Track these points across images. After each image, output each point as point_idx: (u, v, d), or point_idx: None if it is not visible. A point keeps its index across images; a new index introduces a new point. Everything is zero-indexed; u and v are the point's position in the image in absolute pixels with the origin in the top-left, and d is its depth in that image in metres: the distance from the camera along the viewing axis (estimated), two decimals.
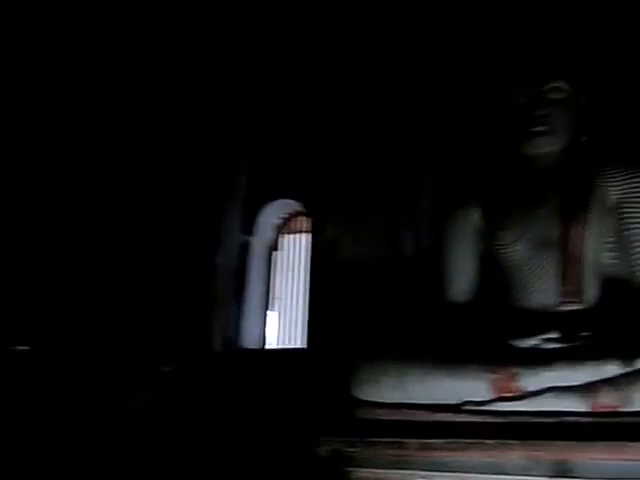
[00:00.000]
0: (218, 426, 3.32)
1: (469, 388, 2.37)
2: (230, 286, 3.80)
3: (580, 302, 2.60)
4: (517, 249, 2.69)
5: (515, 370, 2.33)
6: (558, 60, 2.77)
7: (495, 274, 2.80)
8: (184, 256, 3.71)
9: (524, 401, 2.32)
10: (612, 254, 2.69)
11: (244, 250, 3.85)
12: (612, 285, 2.68)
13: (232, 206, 3.85)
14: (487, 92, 3.05)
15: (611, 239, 2.69)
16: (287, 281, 4.06)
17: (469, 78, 3.17)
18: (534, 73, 2.77)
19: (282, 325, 4.01)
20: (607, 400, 2.21)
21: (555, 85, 2.73)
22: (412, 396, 2.44)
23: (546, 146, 2.76)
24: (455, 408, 2.38)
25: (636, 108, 2.99)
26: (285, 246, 4.04)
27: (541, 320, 2.52)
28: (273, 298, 3.99)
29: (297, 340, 3.84)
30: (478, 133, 3.15)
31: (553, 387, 2.29)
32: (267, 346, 3.88)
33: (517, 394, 2.33)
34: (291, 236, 4.01)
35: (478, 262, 2.87)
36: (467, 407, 2.37)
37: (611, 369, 2.24)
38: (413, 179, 3.41)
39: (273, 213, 3.90)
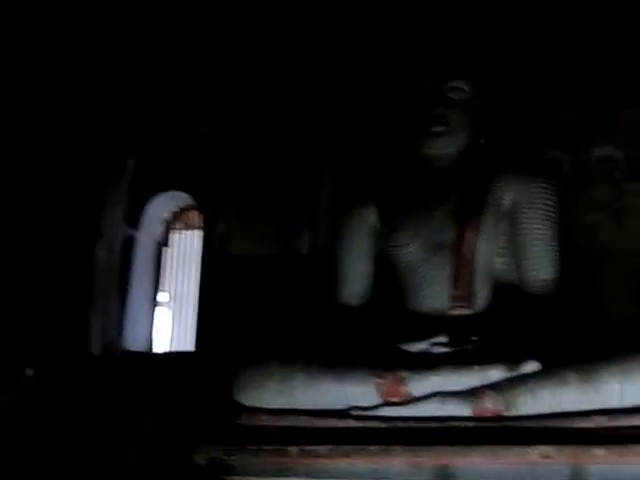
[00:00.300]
0: (93, 433, 3.17)
1: (356, 393, 2.37)
2: (112, 283, 3.65)
3: (470, 306, 2.67)
4: (410, 251, 2.73)
5: (402, 375, 2.35)
6: (459, 60, 2.85)
7: (389, 276, 2.84)
8: (60, 249, 3.52)
9: (410, 406, 2.34)
10: (504, 259, 2.78)
11: (129, 245, 3.70)
12: (503, 290, 2.77)
13: (117, 196, 3.70)
14: (389, 89, 3.09)
15: (504, 244, 2.78)
16: (179, 280, 3.95)
17: (371, 74, 3.20)
18: (435, 71, 2.83)
19: (174, 327, 3.90)
20: (490, 405, 2.27)
21: (455, 85, 2.80)
22: (297, 401, 2.41)
23: (444, 147, 2.82)
24: (341, 414, 2.37)
25: (532, 115, 3.13)
26: (176, 242, 3.93)
27: (431, 324, 2.57)
28: (169, 298, 3.87)
29: (189, 342, 3.74)
30: (379, 130, 3.18)
31: (439, 392, 2.33)
32: (156, 349, 3.76)
33: (404, 399, 2.35)
34: (183, 232, 3.90)
35: (373, 263, 2.90)
36: (353, 412, 2.37)
37: (495, 374, 2.30)
38: (312, 174, 3.41)
39: (162, 206, 3.77)
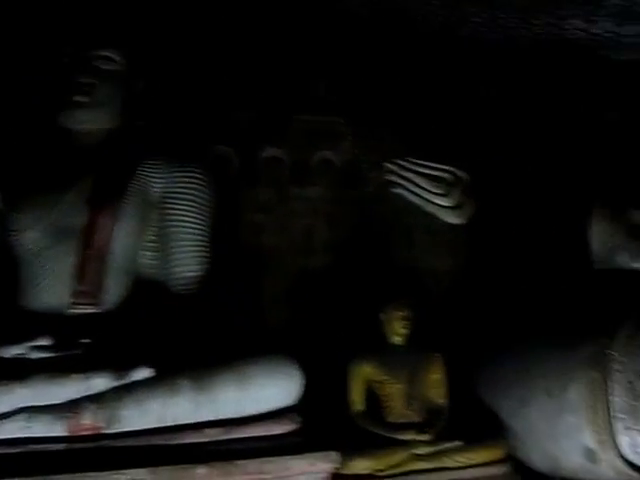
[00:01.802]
0: None
1: None
2: None
3: (97, 304, 2.09)
4: (30, 237, 2.07)
5: None
6: (111, 26, 2.29)
7: (8, 267, 2.14)
8: None
9: None
10: (153, 254, 2.28)
11: None
12: (147, 288, 2.25)
13: None
14: (34, 52, 2.42)
15: (153, 237, 2.28)
16: None
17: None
18: (82, 36, 2.24)
19: None
20: (89, 421, 1.72)
21: (105, 54, 2.24)
22: None
23: (87, 121, 2.22)
24: None
25: (204, 108, 2.70)
26: None
27: (42, 324, 1.94)
28: None
29: None
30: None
31: (26, 407, 1.71)
32: None
33: None
34: None
35: None
36: None
37: (100, 383, 1.75)
38: None
39: None
